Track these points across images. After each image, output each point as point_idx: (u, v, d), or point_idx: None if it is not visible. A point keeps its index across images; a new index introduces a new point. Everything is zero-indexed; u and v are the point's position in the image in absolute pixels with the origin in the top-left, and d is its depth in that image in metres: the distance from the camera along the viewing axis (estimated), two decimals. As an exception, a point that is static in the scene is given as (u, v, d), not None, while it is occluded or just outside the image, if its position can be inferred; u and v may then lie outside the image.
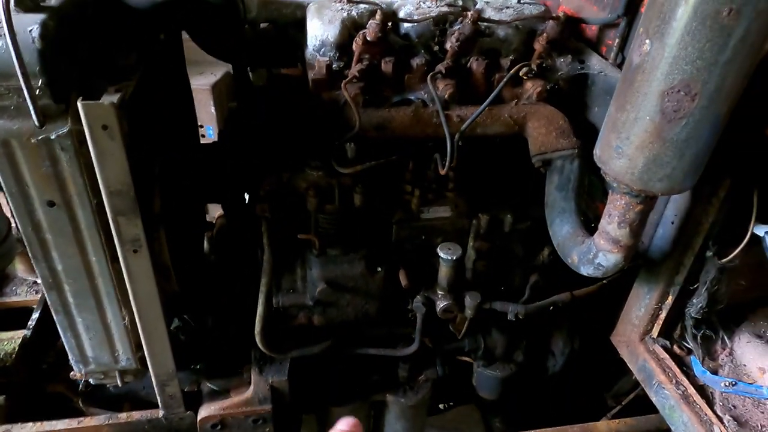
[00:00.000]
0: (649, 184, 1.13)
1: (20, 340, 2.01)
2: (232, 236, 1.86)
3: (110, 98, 1.08)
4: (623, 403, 2.17)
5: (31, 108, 1.04)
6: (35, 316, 2.08)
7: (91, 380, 1.51)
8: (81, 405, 1.86)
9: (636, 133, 1.08)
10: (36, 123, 1.06)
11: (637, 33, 1.05)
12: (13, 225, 2.14)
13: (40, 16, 1.04)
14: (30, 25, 1.03)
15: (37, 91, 1.04)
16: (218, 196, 1.71)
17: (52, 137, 1.08)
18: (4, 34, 0.98)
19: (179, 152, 1.64)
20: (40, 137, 1.08)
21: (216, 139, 1.68)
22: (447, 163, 1.45)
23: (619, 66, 1.59)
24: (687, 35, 0.95)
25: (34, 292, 2.36)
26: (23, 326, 2.07)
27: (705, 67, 0.96)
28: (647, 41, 1.01)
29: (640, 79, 1.04)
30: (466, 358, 1.96)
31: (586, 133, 1.52)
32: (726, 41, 0.93)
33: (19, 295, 2.38)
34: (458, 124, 1.47)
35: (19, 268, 2.44)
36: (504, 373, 1.92)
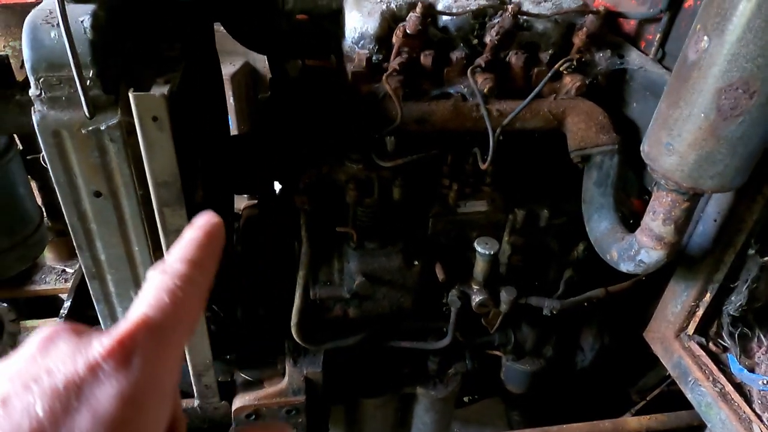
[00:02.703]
0: (699, 182, 1.12)
1: (51, 327, 2.03)
2: (263, 227, 1.86)
3: (160, 89, 1.07)
4: (648, 399, 2.17)
5: (82, 98, 1.04)
6: (67, 304, 2.10)
7: (127, 369, 1.52)
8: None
9: (689, 129, 1.07)
10: (86, 114, 1.06)
11: (693, 29, 1.03)
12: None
13: (90, 7, 1.05)
14: (81, 15, 1.03)
15: (88, 81, 1.04)
16: (252, 188, 1.71)
17: (102, 128, 1.08)
18: (58, 24, 0.98)
19: (217, 143, 1.64)
20: (90, 128, 1.08)
21: (242, 131, 1.68)
22: (489, 158, 1.45)
23: (659, 61, 1.57)
24: (749, 32, 0.93)
25: (63, 280, 2.38)
26: (52, 314, 2.09)
27: (766, 64, 0.94)
28: (705, 37, 0.99)
29: (695, 76, 1.03)
30: (496, 352, 1.96)
31: (623, 129, 1.51)
32: (790, 38, 0.91)
33: (48, 284, 2.39)
34: (498, 118, 1.46)
35: (48, 256, 2.45)
36: (533, 368, 1.93)
